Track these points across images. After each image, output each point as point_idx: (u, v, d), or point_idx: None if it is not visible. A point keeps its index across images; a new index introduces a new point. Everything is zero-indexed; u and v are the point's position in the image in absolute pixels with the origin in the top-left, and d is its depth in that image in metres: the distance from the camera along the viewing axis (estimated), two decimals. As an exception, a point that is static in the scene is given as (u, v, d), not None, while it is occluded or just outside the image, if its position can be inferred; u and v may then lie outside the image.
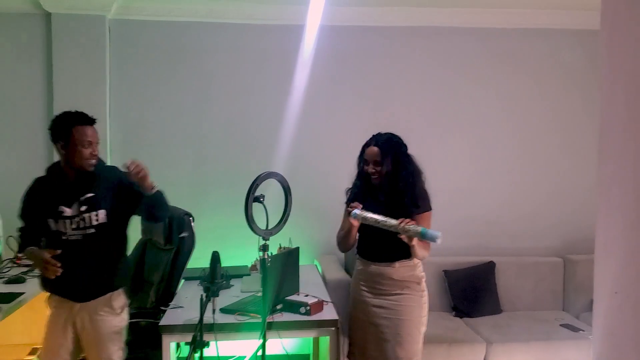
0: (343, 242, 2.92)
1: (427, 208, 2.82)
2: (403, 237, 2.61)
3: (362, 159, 2.86)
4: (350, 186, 2.98)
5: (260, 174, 2.53)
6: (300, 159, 4.32)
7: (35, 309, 3.76)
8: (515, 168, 4.54)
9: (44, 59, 4.13)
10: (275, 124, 4.32)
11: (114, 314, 2.73)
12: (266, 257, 2.52)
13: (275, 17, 4.26)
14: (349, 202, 2.88)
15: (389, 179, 2.78)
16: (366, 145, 2.85)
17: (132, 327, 3.27)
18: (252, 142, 4.32)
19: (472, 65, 4.49)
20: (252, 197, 2.44)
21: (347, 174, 4.39)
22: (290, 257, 3.12)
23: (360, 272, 2.92)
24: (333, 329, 2.84)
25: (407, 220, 2.60)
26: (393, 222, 2.60)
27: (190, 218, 3.49)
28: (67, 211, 2.63)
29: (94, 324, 2.71)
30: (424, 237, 2.53)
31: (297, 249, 3.17)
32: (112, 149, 4.17)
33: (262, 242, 2.54)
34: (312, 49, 4.30)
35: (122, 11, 4.17)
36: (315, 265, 4.15)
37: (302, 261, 3.63)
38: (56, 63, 4.10)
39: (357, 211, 2.69)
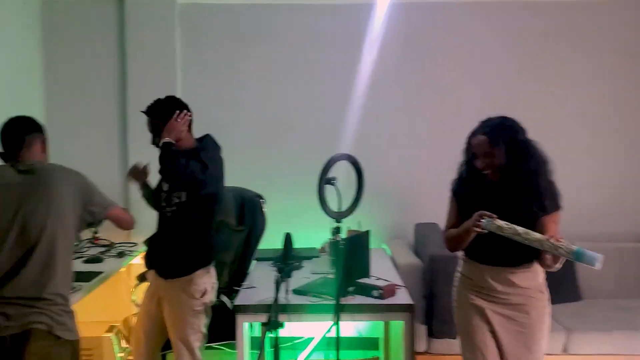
0: (456, 244, 2.46)
1: (556, 207, 2.34)
2: (547, 255, 2.23)
3: (470, 152, 2.42)
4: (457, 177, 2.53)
5: (333, 156, 2.48)
6: (369, 142, 4.25)
7: (113, 288, 3.89)
8: (594, 150, 4.32)
9: (117, 44, 4.22)
10: (344, 105, 4.26)
11: (193, 297, 2.75)
12: (339, 239, 2.48)
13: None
14: (456, 196, 2.48)
15: (505, 173, 2.33)
16: (472, 134, 2.38)
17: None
18: (321, 123, 4.28)
19: (554, 42, 4.29)
20: (324, 179, 2.39)
21: (415, 157, 4.34)
22: (360, 240, 3.08)
23: (469, 275, 2.49)
24: (408, 313, 2.79)
25: (558, 235, 2.17)
26: (538, 235, 2.17)
27: (262, 200, 3.51)
28: (165, 186, 2.80)
29: (172, 303, 2.77)
30: (578, 259, 2.10)
31: (368, 232, 3.13)
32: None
33: (334, 224, 2.50)
34: (381, 28, 4.21)
35: (192, -5, 4.21)
36: (384, 248, 4.10)
37: (371, 244, 3.59)
38: (129, 47, 4.19)
39: (486, 222, 2.23)
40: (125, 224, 2.59)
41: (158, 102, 2.80)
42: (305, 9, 4.25)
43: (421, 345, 3.42)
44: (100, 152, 4.28)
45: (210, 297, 2.82)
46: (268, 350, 3.26)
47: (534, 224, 2.28)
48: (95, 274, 3.26)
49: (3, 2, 3.71)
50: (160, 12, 4.18)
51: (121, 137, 4.25)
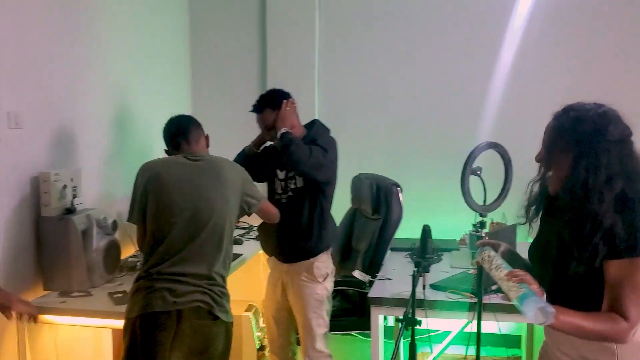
0: None
1: (633, 251, 1.51)
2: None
3: None
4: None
5: (479, 144, 2.31)
6: (513, 129, 3.97)
7: (252, 269, 4.02)
8: None
9: (258, 33, 4.31)
10: (486, 89, 4.01)
11: (315, 282, 2.79)
12: (483, 234, 2.32)
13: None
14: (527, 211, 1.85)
15: (569, 188, 1.60)
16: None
17: (340, 295, 3.33)
18: (461, 109, 4.06)
19: None
20: (469, 170, 2.24)
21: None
22: (506, 234, 2.87)
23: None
24: (556, 316, 2.56)
25: (519, 272, 1.55)
26: (502, 272, 1.63)
27: (398, 188, 3.41)
28: (280, 174, 2.84)
29: (294, 288, 2.83)
30: (519, 305, 1.48)
31: (515, 226, 2.91)
32: (319, 114, 4.24)
33: (478, 218, 2.34)
34: (528, 6, 3.91)
35: (332, -22, 4.17)
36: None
37: (518, 238, 3.35)
38: (269, 32, 4.25)
39: (477, 254, 1.84)
40: (272, 217, 2.68)
41: (266, 95, 2.85)
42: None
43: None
44: (243, 140, 4.40)
45: (331, 282, 2.85)
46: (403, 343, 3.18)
47: (590, 270, 1.56)
48: (236, 255, 3.36)
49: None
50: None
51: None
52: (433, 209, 3.82)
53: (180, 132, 2.47)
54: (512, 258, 1.84)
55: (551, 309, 1.43)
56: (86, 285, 2.72)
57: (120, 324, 2.44)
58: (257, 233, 3.91)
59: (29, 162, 2.69)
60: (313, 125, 2.89)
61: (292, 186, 2.82)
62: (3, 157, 2.53)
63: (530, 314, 1.44)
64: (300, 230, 2.80)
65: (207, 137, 2.57)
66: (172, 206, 2.28)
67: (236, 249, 3.52)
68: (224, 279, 2.34)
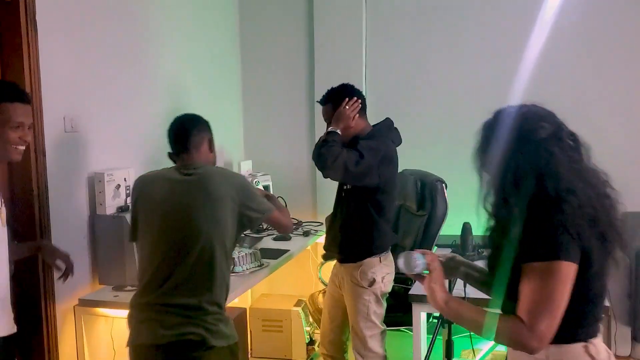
0: None
1: (539, 256, 1.42)
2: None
3: None
4: None
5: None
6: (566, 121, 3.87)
7: (300, 265, 4.10)
8: None
9: (306, 27, 4.37)
10: (536, 81, 3.92)
11: (360, 285, 2.75)
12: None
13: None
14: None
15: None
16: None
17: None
18: (508, 102, 3.96)
19: None
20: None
21: (616, 135, 3.84)
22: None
23: None
24: (602, 316, 2.50)
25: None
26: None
27: (443, 185, 3.40)
28: None
29: (346, 289, 2.82)
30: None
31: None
32: (368, 111, 4.25)
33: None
34: None
35: (378, -27, 4.18)
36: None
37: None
38: (317, 30, 4.30)
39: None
40: (284, 228, 2.52)
41: (331, 90, 2.82)
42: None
43: (624, 349, 3.08)
44: (291, 136, 4.48)
45: (382, 287, 2.78)
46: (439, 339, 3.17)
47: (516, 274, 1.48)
48: (283, 251, 3.45)
49: (205, -2, 4.04)
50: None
51: (309, 123, 4.39)
52: (478, 205, 3.77)
53: (179, 139, 2.27)
54: (451, 265, 1.83)
55: (420, 259, 1.64)
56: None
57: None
58: (305, 229, 4.01)
59: (84, 163, 2.85)
60: (379, 124, 2.86)
61: (346, 187, 2.81)
62: (60, 159, 2.69)
63: (399, 260, 1.69)
64: (348, 233, 2.78)
65: (210, 140, 2.35)
66: (157, 230, 2.15)
67: (284, 245, 3.61)
68: (220, 305, 2.14)
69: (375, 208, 2.74)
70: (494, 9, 4.01)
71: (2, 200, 1.99)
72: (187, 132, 2.26)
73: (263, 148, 4.41)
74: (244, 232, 2.46)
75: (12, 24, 2.47)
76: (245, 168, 4.21)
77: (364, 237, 2.75)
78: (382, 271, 2.77)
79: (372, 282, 2.75)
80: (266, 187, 4.17)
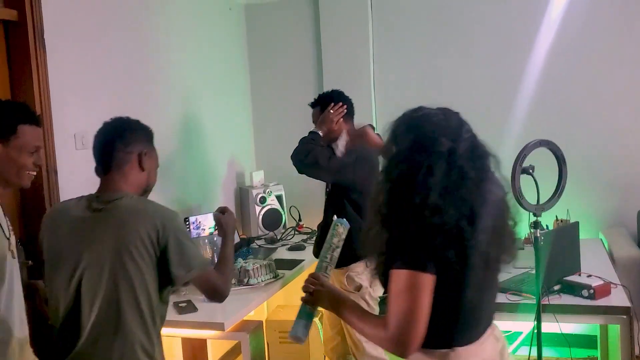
0: None
1: (399, 264, 1.45)
2: None
3: None
4: None
5: (528, 143, 2.26)
6: (576, 121, 3.84)
7: (316, 275, 4.07)
8: None
9: (313, 37, 4.37)
10: (545, 83, 3.89)
11: (348, 291, 2.76)
12: (538, 235, 2.26)
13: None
14: None
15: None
16: None
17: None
18: (518, 103, 3.95)
19: None
20: (519, 169, 2.19)
21: (636, 131, 3.79)
22: (567, 233, 2.79)
23: None
24: (624, 317, 2.46)
25: (314, 281, 1.76)
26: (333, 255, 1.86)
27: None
28: None
29: None
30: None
31: (576, 224, 2.82)
32: (377, 116, 4.25)
33: (533, 218, 2.28)
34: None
35: (383, -19, 4.16)
36: (601, 239, 3.67)
37: (585, 234, 3.24)
38: (324, 38, 4.30)
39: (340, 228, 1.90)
40: (216, 295, 1.96)
41: (321, 94, 3.04)
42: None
43: (647, 350, 3.00)
44: (295, 135, 4.47)
45: (371, 292, 2.79)
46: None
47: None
48: (298, 261, 3.42)
49: (212, 10, 4.05)
50: (352, 1, 4.21)
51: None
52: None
53: (100, 155, 1.92)
54: None
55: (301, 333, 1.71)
56: (154, 294, 2.84)
57: (186, 332, 2.55)
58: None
59: (96, 179, 2.86)
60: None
61: (327, 190, 2.92)
62: (72, 177, 2.69)
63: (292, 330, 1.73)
64: None
65: (140, 155, 1.91)
66: (57, 279, 1.82)
67: (298, 255, 3.60)
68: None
69: (354, 207, 2.78)
70: (502, 10, 3.98)
71: (10, 228, 1.83)
72: (109, 147, 1.88)
73: (274, 157, 4.40)
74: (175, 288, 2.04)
75: (20, 44, 2.50)
76: (257, 178, 4.21)
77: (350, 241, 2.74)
78: (368, 276, 2.74)
79: (359, 287, 2.78)
80: (279, 197, 4.16)
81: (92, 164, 2.79)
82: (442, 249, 1.42)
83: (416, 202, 1.42)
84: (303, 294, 1.77)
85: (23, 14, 2.48)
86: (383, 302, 2.92)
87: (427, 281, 1.42)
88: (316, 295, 1.73)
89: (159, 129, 3.38)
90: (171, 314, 2.67)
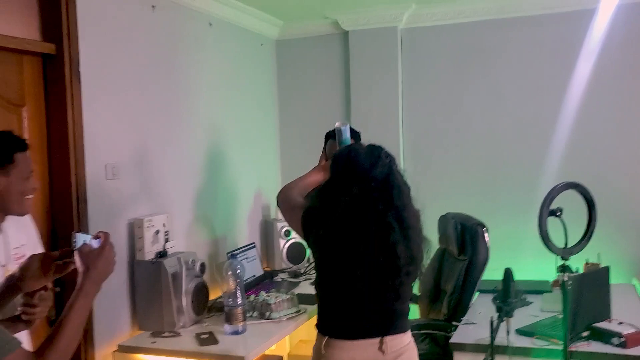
0: None
1: None
2: None
3: None
4: None
5: (556, 185, 2.22)
6: (610, 162, 3.77)
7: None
8: None
9: (342, 74, 4.39)
10: (576, 125, 3.84)
11: None
12: (566, 278, 2.21)
13: (573, 3, 3.81)
14: None
15: None
16: None
17: (429, 338, 3.25)
18: (549, 144, 3.90)
19: None
20: (546, 211, 2.15)
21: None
22: (597, 277, 2.71)
23: None
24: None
25: None
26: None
27: (484, 229, 3.31)
28: None
29: None
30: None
31: (607, 269, 2.74)
32: (404, 155, 4.24)
33: (561, 261, 2.23)
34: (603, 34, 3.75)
35: (413, 20, 4.19)
36: (634, 285, 3.56)
37: (617, 279, 3.15)
38: (353, 76, 4.33)
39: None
40: None
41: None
42: (530, 21, 3.94)
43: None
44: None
45: None
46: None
47: None
48: (321, 297, 3.40)
49: (244, 46, 4.13)
50: (382, 39, 4.24)
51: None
52: (521, 248, 3.67)
53: None
54: None
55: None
56: (175, 326, 2.85)
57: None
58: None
59: (125, 209, 2.91)
60: None
61: None
62: (101, 206, 2.75)
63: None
64: None
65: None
66: None
67: (322, 290, 3.56)
68: None
69: None
70: (533, 51, 3.96)
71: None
72: None
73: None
74: None
75: (57, 77, 2.58)
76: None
77: None
78: None
79: None
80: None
81: (122, 193, 2.88)
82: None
83: (328, 210, 1.94)
84: None
85: (60, 48, 2.57)
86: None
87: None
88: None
89: (188, 161, 3.46)
90: (192, 346, 2.67)
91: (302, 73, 4.53)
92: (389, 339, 1.96)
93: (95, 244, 1.49)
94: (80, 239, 1.50)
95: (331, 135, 3.07)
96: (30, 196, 1.89)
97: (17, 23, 2.48)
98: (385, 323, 1.98)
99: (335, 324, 2.01)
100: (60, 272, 1.58)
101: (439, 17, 4.13)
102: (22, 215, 1.93)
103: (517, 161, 4.01)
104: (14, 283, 1.59)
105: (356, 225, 1.89)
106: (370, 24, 4.23)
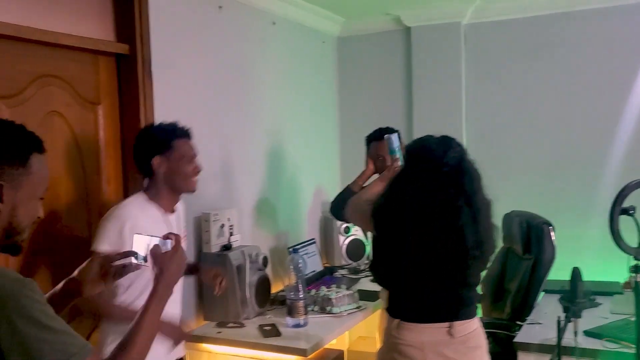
0: None
1: None
2: None
3: None
4: None
5: (630, 183, 2.15)
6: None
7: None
8: None
9: (404, 71, 4.37)
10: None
11: None
12: (639, 279, 2.14)
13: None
14: None
15: None
16: None
17: (492, 337, 3.20)
18: (618, 142, 3.77)
19: None
20: (618, 209, 2.09)
21: None
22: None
23: None
24: None
25: None
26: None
27: (550, 227, 3.24)
28: None
29: None
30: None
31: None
32: (470, 150, 4.17)
33: (633, 262, 2.16)
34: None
35: (477, 15, 4.13)
36: None
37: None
38: (415, 73, 4.30)
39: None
40: None
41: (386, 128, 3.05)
42: (603, 13, 3.81)
43: None
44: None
45: None
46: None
47: None
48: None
49: (307, 43, 4.18)
50: (445, 35, 4.21)
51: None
52: (590, 248, 3.57)
53: None
54: None
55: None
56: (240, 317, 2.93)
57: (268, 356, 2.60)
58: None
59: (192, 203, 3.00)
60: None
61: None
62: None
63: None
64: None
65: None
66: None
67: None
68: None
69: None
70: (602, 41, 3.84)
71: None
72: None
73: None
74: None
75: (130, 76, 2.69)
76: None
77: None
78: None
79: None
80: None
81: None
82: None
83: (402, 195, 2.01)
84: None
85: (134, 48, 2.68)
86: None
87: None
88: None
89: (252, 158, 3.54)
90: (256, 336, 2.74)
91: (363, 70, 4.53)
92: (457, 324, 2.03)
93: (166, 245, 1.42)
94: (141, 241, 1.47)
95: (372, 139, 3.09)
96: (194, 177, 2.30)
97: (92, 25, 2.60)
98: (454, 308, 2.05)
99: (407, 307, 2.07)
100: (120, 275, 1.51)
101: (504, 12, 4.05)
102: (190, 192, 2.35)
103: (583, 159, 3.89)
104: (73, 287, 1.50)
105: (427, 208, 1.95)
106: (433, 20, 4.19)
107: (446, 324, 2.03)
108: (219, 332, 2.82)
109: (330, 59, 4.54)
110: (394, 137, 2.53)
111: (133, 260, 1.47)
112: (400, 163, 2.45)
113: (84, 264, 1.52)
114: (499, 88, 4.14)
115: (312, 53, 4.28)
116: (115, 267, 1.50)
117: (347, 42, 4.57)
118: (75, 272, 1.51)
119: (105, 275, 1.50)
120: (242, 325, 2.89)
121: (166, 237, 1.43)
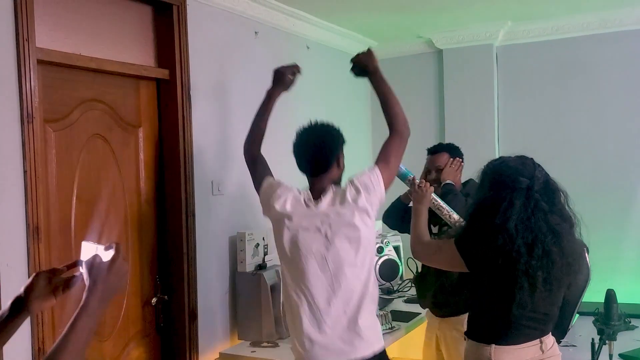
0: None
1: None
2: None
3: None
4: None
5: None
6: None
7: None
8: None
9: (436, 92, 4.41)
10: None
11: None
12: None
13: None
14: None
15: None
16: None
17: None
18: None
19: None
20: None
21: None
22: None
23: None
24: None
25: None
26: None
27: (585, 248, 3.20)
28: (434, 229, 2.96)
29: (447, 342, 2.77)
30: None
31: None
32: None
33: (670, 283, 2.14)
34: None
35: (509, 37, 4.15)
36: None
37: None
38: (447, 94, 4.33)
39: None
40: None
41: (443, 143, 3.20)
42: (634, 35, 3.80)
43: None
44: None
45: None
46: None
47: None
48: (415, 314, 3.41)
49: (341, 67, 4.20)
50: (477, 57, 4.23)
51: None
52: (625, 270, 3.52)
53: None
54: None
55: None
56: (274, 336, 2.96)
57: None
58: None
59: (227, 223, 3.08)
60: (468, 182, 3.01)
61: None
62: (207, 220, 2.92)
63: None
64: (452, 286, 2.73)
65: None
66: None
67: (416, 308, 3.54)
68: None
69: None
70: (634, 62, 3.82)
71: None
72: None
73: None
74: None
75: (170, 100, 2.80)
76: (375, 228, 4.25)
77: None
78: None
79: None
80: (396, 248, 4.17)
81: (226, 209, 3.03)
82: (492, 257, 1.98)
83: (496, 224, 1.97)
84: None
85: (173, 73, 2.79)
86: None
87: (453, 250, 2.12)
88: None
89: (293, 175, 3.56)
90: (290, 357, 2.75)
91: (396, 92, 4.55)
92: (544, 339, 2.15)
93: (106, 255, 1.24)
94: (89, 249, 1.28)
95: (428, 152, 3.23)
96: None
97: (135, 51, 2.72)
98: (541, 326, 2.16)
99: (502, 331, 2.11)
100: (68, 287, 1.37)
101: (535, 34, 4.07)
102: None
103: (617, 179, 3.85)
104: (20, 305, 1.36)
105: (526, 231, 1.98)
106: (465, 42, 4.23)
107: (537, 341, 2.12)
108: (253, 352, 2.86)
109: (363, 81, 4.58)
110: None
111: (81, 269, 1.28)
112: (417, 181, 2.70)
113: (28, 281, 1.37)
114: (531, 109, 4.14)
115: (346, 76, 4.33)
116: (63, 279, 1.38)
117: (380, 65, 4.61)
118: (21, 290, 1.36)
119: (56, 289, 1.37)
120: (276, 345, 2.92)
121: (108, 246, 1.26)
